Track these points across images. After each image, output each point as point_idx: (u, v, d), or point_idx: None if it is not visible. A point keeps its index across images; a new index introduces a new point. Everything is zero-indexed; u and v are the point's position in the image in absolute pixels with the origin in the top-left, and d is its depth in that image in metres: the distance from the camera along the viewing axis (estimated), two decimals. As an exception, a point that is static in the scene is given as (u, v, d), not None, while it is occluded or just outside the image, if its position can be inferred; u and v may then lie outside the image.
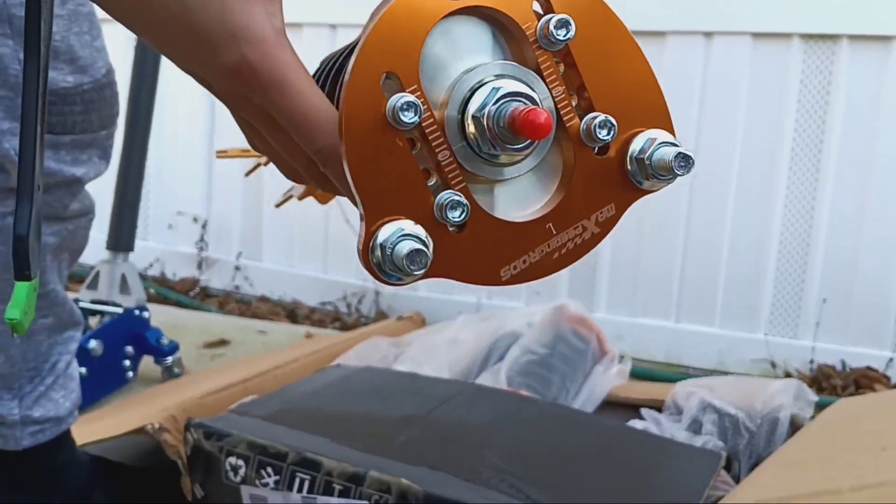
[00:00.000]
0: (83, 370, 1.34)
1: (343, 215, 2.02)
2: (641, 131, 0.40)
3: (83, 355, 1.36)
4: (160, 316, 1.67)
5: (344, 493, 0.84)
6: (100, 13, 0.85)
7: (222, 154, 0.89)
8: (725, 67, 1.79)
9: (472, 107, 0.38)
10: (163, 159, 2.33)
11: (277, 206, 0.90)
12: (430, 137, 0.38)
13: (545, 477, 0.89)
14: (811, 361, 1.76)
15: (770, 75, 1.76)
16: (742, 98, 1.78)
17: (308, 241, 2.20)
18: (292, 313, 2.13)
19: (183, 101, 2.18)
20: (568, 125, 0.39)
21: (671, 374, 1.69)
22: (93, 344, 1.40)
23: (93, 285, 1.55)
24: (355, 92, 0.37)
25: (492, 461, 0.90)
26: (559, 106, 0.39)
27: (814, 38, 1.72)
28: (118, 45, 1.76)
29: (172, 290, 2.23)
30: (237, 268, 2.27)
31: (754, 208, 1.80)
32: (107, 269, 1.55)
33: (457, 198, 0.38)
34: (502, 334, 1.34)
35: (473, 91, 0.38)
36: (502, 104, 0.37)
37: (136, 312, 1.51)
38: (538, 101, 0.38)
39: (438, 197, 0.38)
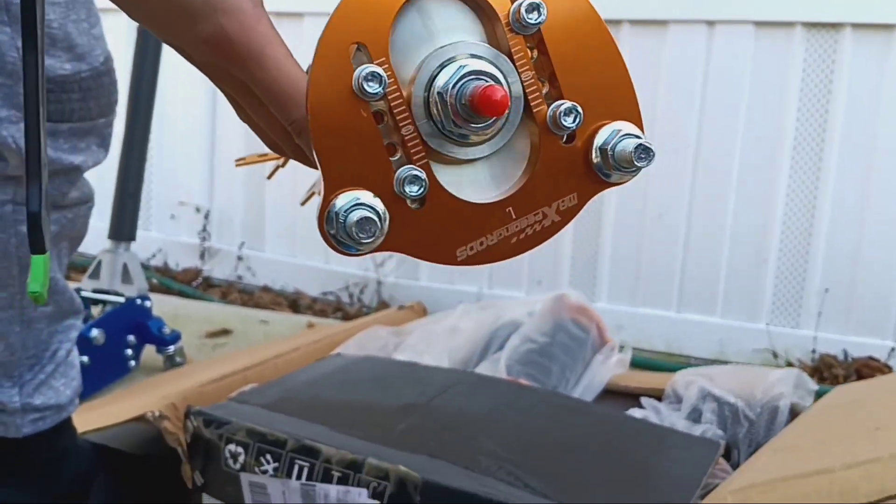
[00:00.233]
0: (85, 359, 1.34)
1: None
2: (608, 123, 0.40)
3: (85, 344, 1.37)
4: (163, 306, 1.68)
5: (342, 481, 0.84)
6: (98, 2, 0.85)
7: (241, 162, 0.90)
8: (728, 56, 1.78)
9: (438, 84, 0.38)
10: (165, 149, 2.33)
11: (302, 203, 0.91)
12: (395, 111, 0.38)
13: (544, 465, 0.89)
14: (813, 351, 1.76)
15: (772, 64, 1.75)
16: (744, 87, 1.77)
17: (310, 232, 2.19)
18: (294, 303, 2.13)
19: (184, 90, 2.18)
20: (535, 111, 0.39)
21: (672, 363, 1.69)
22: (95, 333, 1.40)
23: (95, 275, 1.55)
24: (323, 60, 0.38)
25: (491, 449, 0.90)
26: (528, 91, 0.39)
27: (816, 27, 1.72)
28: (119, 34, 1.76)
29: (175, 280, 2.24)
30: (239, 258, 2.28)
31: (756, 198, 1.80)
32: (109, 259, 1.55)
33: (416, 173, 0.38)
34: (502, 323, 1.35)
35: (441, 68, 0.38)
36: (465, 82, 0.38)
37: (138, 302, 1.51)
38: (503, 82, 0.38)
39: (399, 171, 0.38)
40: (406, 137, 0.39)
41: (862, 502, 0.64)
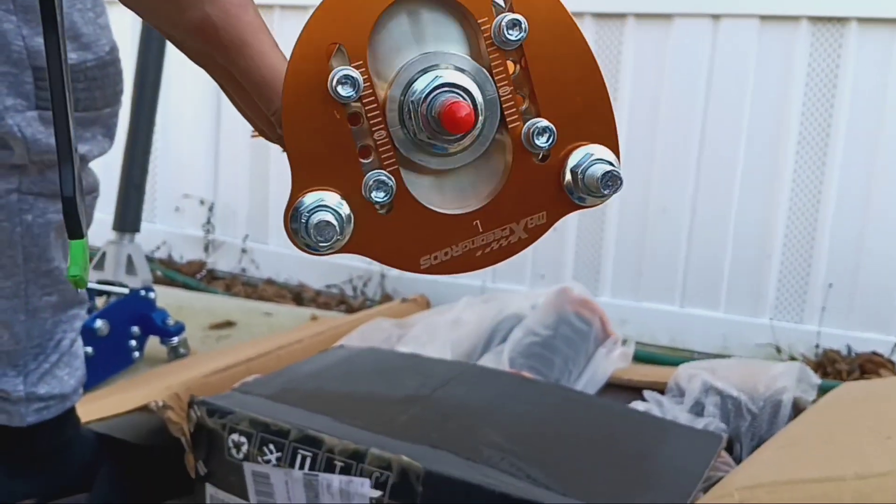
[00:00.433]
0: (89, 349, 1.35)
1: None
2: (583, 145, 0.39)
3: (89, 335, 1.37)
4: (167, 298, 1.68)
5: (345, 471, 0.84)
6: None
7: (256, 135, 0.90)
8: (732, 50, 1.78)
9: (413, 91, 0.38)
10: (169, 142, 2.33)
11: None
12: (369, 115, 0.38)
13: (546, 457, 0.89)
14: (816, 346, 1.76)
15: (777, 58, 1.75)
16: (749, 81, 1.77)
17: (314, 224, 2.20)
18: (298, 296, 2.14)
19: (189, 82, 2.19)
20: (511, 126, 0.39)
21: (675, 357, 1.69)
22: (99, 324, 1.41)
23: (99, 266, 1.56)
24: (300, 58, 0.38)
25: (493, 440, 0.90)
26: (504, 106, 0.39)
27: (822, 21, 1.71)
28: (124, 25, 1.77)
29: (179, 273, 2.24)
30: (243, 250, 2.28)
31: (760, 192, 1.79)
32: (113, 250, 1.56)
33: (384, 178, 0.38)
34: (505, 316, 1.35)
35: (419, 76, 0.38)
36: (437, 94, 0.37)
37: (143, 293, 1.51)
38: (476, 96, 0.38)
39: (367, 175, 0.38)
40: (378, 142, 0.38)
41: None
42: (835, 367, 1.70)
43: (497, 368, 1.17)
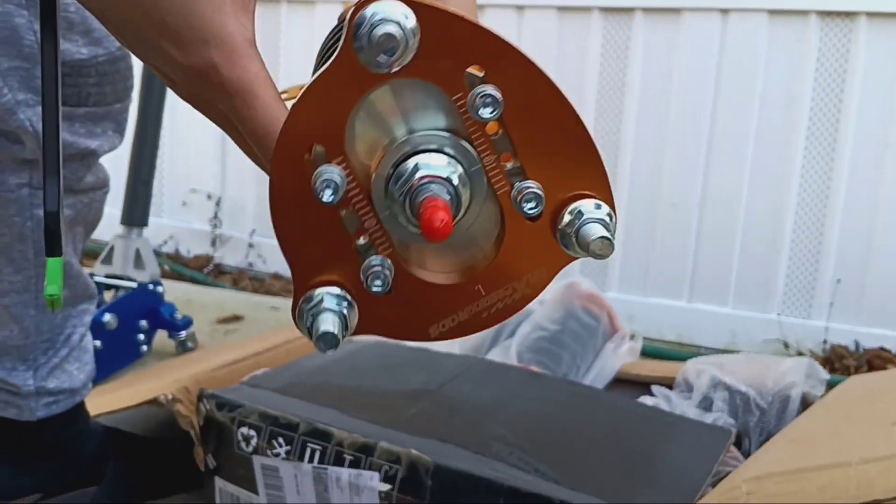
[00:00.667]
0: (98, 343, 1.35)
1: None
2: (573, 201, 0.38)
3: (98, 329, 1.37)
4: (174, 292, 1.69)
5: (354, 464, 0.84)
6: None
7: (286, 95, 0.90)
8: (742, 45, 1.77)
9: (395, 181, 0.38)
10: (177, 137, 2.33)
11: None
12: (356, 205, 0.38)
13: (554, 451, 0.89)
14: (824, 342, 1.76)
15: (787, 53, 1.74)
16: (758, 76, 1.77)
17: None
18: (305, 290, 2.14)
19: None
20: (499, 193, 0.38)
21: (683, 353, 1.69)
22: (107, 318, 1.41)
23: (107, 260, 1.56)
24: (281, 165, 0.38)
25: (501, 435, 0.90)
26: (489, 174, 0.38)
27: (831, 16, 1.71)
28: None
29: (186, 267, 2.24)
30: (251, 245, 2.29)
31: (769, 188, 1.79)
32: (121, 244, 1.56)
33: (379, 267, 0.38)
34: (513, 311, 1.34)
35: (401, 161, 0.38)
36: (419, 187, 0.37)
37: (151, 287, 1.52)
38: (456, 182, 0.37)
39: (364, 264, 0.38)
40: (369, 229, 0.38)
41: (878, 498, 0.64)
42: (842, 363, 1.70)
43: (505, 363, 1.17)
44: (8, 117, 0.76)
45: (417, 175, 0.37)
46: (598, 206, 0.38)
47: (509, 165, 0.38)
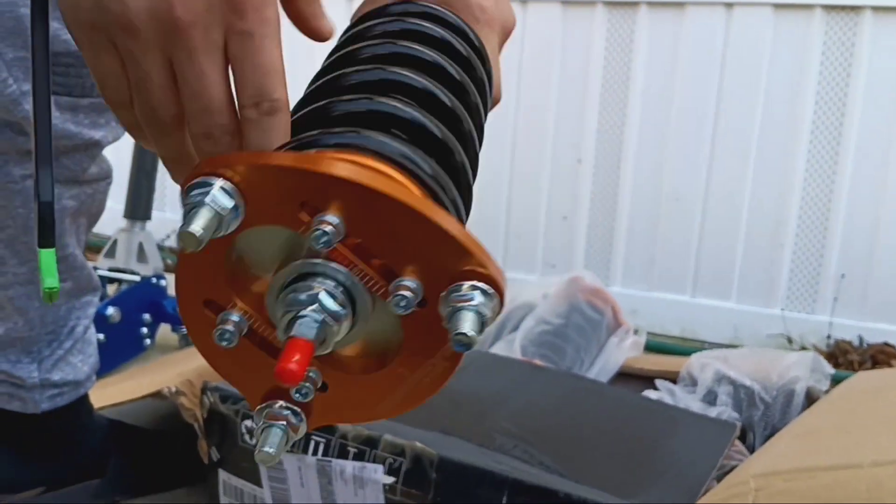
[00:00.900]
0: (101, 337, 1.35)
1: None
2: (445, 290, 0.37)
3: (101, 322, 1.37)
4: (177, 285, 1.68)
5: (358, 457, 0.84)
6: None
7: None
8: (746, 39, 1.77)
9: (275, 316, 0.39)
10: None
11: None
12: (262, 337, 0.40)
13: (558, 444, 0.89)
14: (828, 337, 1.76)
15: (791, 47, 1.74)
16: (762, 70, 1.76)
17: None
18: (308, 285, 2.14)
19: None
20: (378, 294, 0.38)
21: (686, 347, 1.68)
22: (111, 311, 1.41)
23: (110, 253, 1.56)
24: (188, 319, 0.41)
25: (505, 428, 0.90)
26: (364, 281, 0.38)
27: (836, 10, 1.70)
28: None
29: (189, 261, 2.24)
30: (253, 239, 2.28)
31: (773, 182, 1.79)
32: (124, 238, 1.56)
33: (298, 390, 0.40)
34: (517, 305, 1.35)
35: (278, 294, 0.38)
36: (288, 325, 0.37)
37: (154, 280, 1.52)
38: (331, 306, 0.37)
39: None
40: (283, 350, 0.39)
41: (889, 502, 0.64)
42: (846, 358, 1.69)
43: (509, 356, 1.17)
44: (13, 108, 0.76)
45: (285, 312, 0.38)
46: (474, 289, 0.37)
47: (380, 266, 0.38)
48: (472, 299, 0.36)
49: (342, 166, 0.37)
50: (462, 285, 0.37)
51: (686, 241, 1.86)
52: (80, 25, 0.40)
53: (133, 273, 1.52)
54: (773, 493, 0.68)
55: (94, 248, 1.78)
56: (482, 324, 0.36)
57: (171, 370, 1.06)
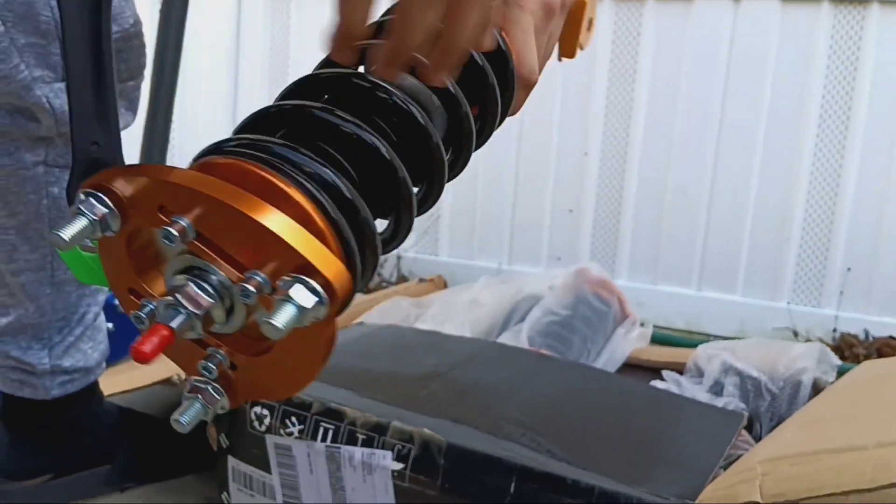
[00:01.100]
0: (110, 325, 1.35)
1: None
2: (282, 279, 0.41)
3: (110, 311, 1.38)
4: (184, 276, 1.68)
5: (367, 443, 0.85)
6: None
7: None
8: (753, 33, 1.76)
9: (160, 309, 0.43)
10: (187, 119, 2.33)
11: None
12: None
13: (566, 433, 0.90)
14: (834, 330, 1.76)
15: (798, 41, 1.74)
16: (769, 63, 1.76)
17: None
18: (314, 277, 2.14)
19: (207, 58, 2.19)
20: (236, 284, 0.42)
21: (692, 340, 1.68)
22: (119, 301, 1.42)
23: (118, 244, 1.56)
24: (124, 306, 0.46)
25: (513, 416, 0.90)
26: (224, 273, 0.42)
27: (843, 3, 1.70)
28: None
29: (196, 253, 2.24)
30: (260, 232, 2.28)
31: (779, 176, 1.78)
32: (132, 228, 1.56)
33: (205, 367, 0.45)
34: (523, 296, 1.35)
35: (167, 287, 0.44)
36: (159, 314, 0.42)
37: (161, 271, 1.52)
38: (193, 304, 0.42)
39: (209, 355, 0.45)
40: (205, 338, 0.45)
41: (895, 482, 0.64)
42: (852, 351, 1.69)
43: (517, 346, 1.18)
44: (24, 94, 0.76)
45: (164, 301, 0.42)
46: (298, 283, 0.40)
47: (234, 262, 0.42)
48: (292, 293, 0.39)
49: (181, 174, 0.42)
50: (288, 280, 0.40)
51: (692, 235, 1.86)
52: None
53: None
54: (780, 477, 0.69)
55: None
56: (301, 317, 0.39)
57: (180, 358, 1.06)
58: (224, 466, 0.95)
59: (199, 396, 0.45)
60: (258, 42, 2.17)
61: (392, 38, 0.47)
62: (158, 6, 1.58)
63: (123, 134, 0.92)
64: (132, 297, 0.45)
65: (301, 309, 0.39)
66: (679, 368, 1.20)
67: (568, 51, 0.75)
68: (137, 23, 0.87)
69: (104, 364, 1.00)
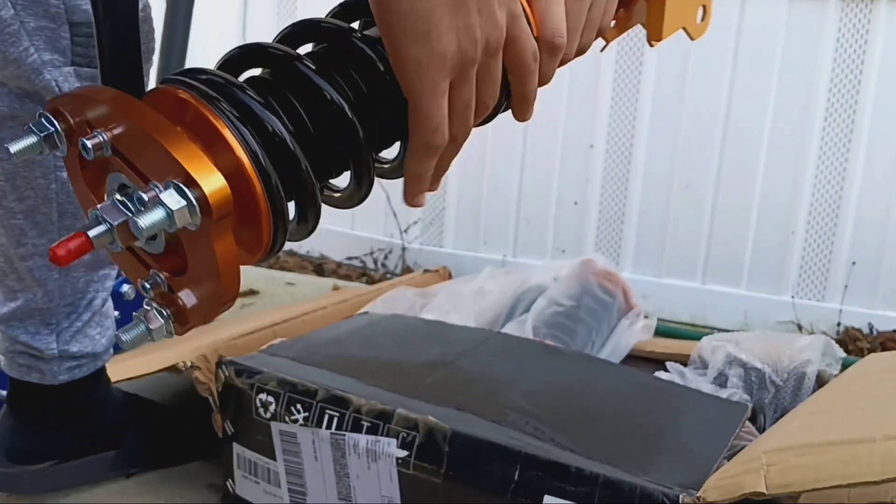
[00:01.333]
0: (116, 313, 1.36)
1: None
2: (162, 184, 0.43)
3: (117, 299, 1.38)
4: (190, 265, 1.69)
5: (372, 431, 0.85)
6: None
7: None
8: (760, 26, 1.76)
9: None
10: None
11: None
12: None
13: (571, 422, 0.90)
14: (838, 324, 1.76)
15: (806, 35, 1.73)
16: (776, 58, 1.76)
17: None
18: (319, 268, 2.15)
19: (214, 46, 2.18)
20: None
21: (696, 332, 1.68)
22: (126, 288, 1.42)
23: (125, 232, 1.57)
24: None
25: (518, 405, 0.91)
26: (136, 183, 0.45)
27: (852, -3, 1.70)
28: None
29: (201, 243, 2.25)
30: (265, 222, 2.29)
31: (785, 170, 1.78)
32: (138, 217, 1.57)
33: (143, 286, 0.47)
34: (528, 287, 1.35)
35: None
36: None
37: (167, 259, 1.52)
38: (110, 216, 0.43)
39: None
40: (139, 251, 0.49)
41: None
42: (856, 345, 1.70)
43: (521, 336, 1.18)
44: (34, 77, 0.76)
45: (93, 213, 0.44)
46: (171, 187, 0.42)
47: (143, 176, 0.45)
48: (163, 196, 0.41)
49: (108, 93, 0.45)
50: (164, 185, 0.42)
51: (697, 228, 1.86)
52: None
53: (147, 252, 1.53)
54: (786, 468, 0.69)
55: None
56: (168, 220, 0.41)
57: (187, 345, 1.07)
58: (229, 453, 0.95)
59: (143, 318, 0.46)
60: (265, 29, 2.17)
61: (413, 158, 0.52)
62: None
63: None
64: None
65: (168, 211, 0.41)
66: (683, 360, 1.20)
67: (654, 34, 0.72)
68: (146, 7, 0.87)
69: (112, 350, 1.01)
